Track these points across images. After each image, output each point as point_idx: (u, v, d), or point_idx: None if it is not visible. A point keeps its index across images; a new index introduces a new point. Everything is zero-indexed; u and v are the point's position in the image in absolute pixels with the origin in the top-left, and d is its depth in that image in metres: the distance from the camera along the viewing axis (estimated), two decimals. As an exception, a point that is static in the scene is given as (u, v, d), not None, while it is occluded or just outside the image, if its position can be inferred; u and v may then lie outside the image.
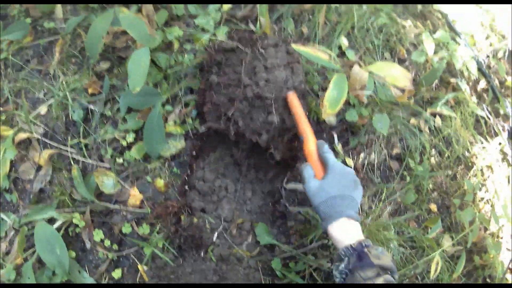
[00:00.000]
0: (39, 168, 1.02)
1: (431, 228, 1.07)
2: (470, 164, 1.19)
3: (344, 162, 0.96)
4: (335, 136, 0.95)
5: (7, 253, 1.00)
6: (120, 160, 0.96)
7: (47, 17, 1.16)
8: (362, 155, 0.98)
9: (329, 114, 0.90)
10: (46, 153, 1.00)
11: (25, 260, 0.95)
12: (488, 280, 1.22)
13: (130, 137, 0.96)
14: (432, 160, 1.10)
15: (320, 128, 0.95)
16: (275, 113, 0.87)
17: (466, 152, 1.18)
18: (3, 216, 1.00)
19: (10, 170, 1.01)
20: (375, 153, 0.98)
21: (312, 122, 0.95)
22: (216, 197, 0.93)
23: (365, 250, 0.66)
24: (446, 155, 1.12)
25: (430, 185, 1.09)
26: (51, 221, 0.96)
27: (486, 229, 1.16)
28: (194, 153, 0.94)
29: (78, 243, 0.97)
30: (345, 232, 0.68)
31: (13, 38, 1.10)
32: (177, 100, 0.96)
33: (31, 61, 1.12)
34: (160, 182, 0.93)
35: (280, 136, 0.91)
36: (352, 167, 0.96)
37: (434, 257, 0.98)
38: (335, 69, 0.96)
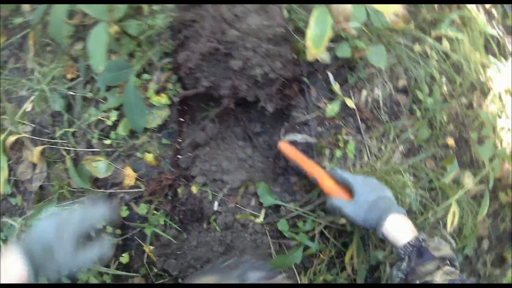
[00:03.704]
0: (35, 166, 0.91)
1: (448, 168, 0.87)
2: (486, 89, 0.97)
3: (344, 103, 0.77)
4: (330, 75, 0.76)
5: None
6: (107, 141, 0.82)
7: (16, 13, 1.01)
8: (364, 92, 0.78)
9: (314, 54, 0.71)
10: (37, 150, 0.88)
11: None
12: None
13: (113, 115, 0.81)
14: (444, 89, 0.89)
15: (312, 68, 0.76)
16: (256, 64, 0.69)
17: (480, 77, 0.96)
18: (11, 222, 0.90)
19: (10, 174, 0.90)
20: (378, 88, 0.79)
21: (303, 64, 0.76)
22: (213, 160, 0.78)
23: (423, 244, 0.58)
24: (458, 82, 0.91)
25: (445, 117, 0.88)
26: None
27: (513, 159, 0.95)
28: (182, 118, 0.78)
29: (83, 233, 0.86)
30: (399, 228, 0.60)
31: (-15, 42, 0.96)
32: (154, 67, 0.79)
33: (8, 61, 0.98)
34: (149, 157, 0.78)
35: (268, 87, 0.73)
36: (354, 107, 0.77)
37: (450, 206, 0.80)
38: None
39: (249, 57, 0.69)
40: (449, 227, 0.76)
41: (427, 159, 0.88)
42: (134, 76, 0.77)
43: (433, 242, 0.60)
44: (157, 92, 0.78)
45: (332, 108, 0.75)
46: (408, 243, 0.58)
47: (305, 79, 0.76)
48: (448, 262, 0.58)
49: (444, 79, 0.89)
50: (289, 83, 0.73)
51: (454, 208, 0.76)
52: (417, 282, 0.56)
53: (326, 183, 0.67)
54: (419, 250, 0.58)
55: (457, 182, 0.89)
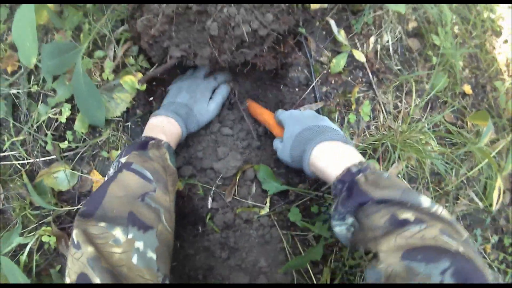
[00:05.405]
0: None
1: (473, 123, 0.72)
2: (498, 29, 0.82)
3: (352, 55, 0.60)
4: (332, 22, 0.57)
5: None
6: (64, 145, 0.62)
7: None
8: (372, 39, 0.61)
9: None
10: None
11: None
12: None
13: (66, 110, 0.61)
14: (456, 29, 0.72)
15: (308, 15, 0.58)
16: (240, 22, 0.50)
17: (491, 14, 0.80)
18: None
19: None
20: (387, 33, 0.62)
21: (299, 11, 0.57)
22: (197, 144, 0.59)
23: (357, 177, 0.38)
24: (471, 22, 0.74)
25: (461, 63, 0.73)
26: (22, 247, 0.67)
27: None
28: (152, 98, 0.59)
29: (60, 257, 0.67)
30: (327, 160, 0.42)
31: None
32: (107, 40, 0.59)
33: None
34: (116, 154, 0.59)
35: (257, 46, 0.55)
36: (364, 58, 0.59)
37: (495, 183, 0.65)
38: None
39: (231, 13, 0.49)
40: (494, 205, 0.61)
41: (446, 114, 0.72)
42: (82, 56, 0.56)
43: (376, 174, 0.37)
44: (115, 72, 0.58)
45: (337, 62, 0.58)
46: (337, 178, 0.39)
47: (302, 30, 0.57)
48: (421, 218, 0.32)
49: (455, 18, 0.72)
50: (282, 37, 0.54)
51: (500, 184, 0.61)
52: (361, 249, 0.37)
53: (275, 128, 0.55)
54: (349, 186, 0.38)
55: (474, 132, 0.74)
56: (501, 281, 0.30)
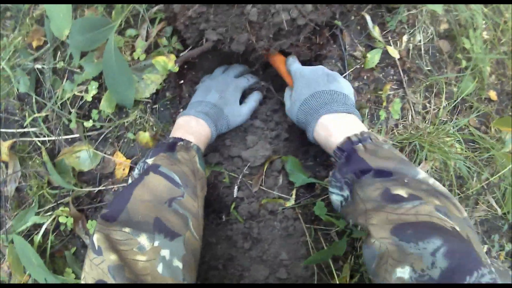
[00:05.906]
0: (6, 165, 0.70)
1: (496, 129, 0.72)
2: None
3: (386, 52, 0.59)
4: (368, 17, 0.57)
5: (11, 274, 0.71)
6: (89, 123, 0.61)
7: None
8: (405, 37, 0.60)
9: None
10: (5, 145, 0.66)
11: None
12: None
13: (93, 89, 0.60)
14: (485, 34, 0.72)
15: (345, 9, 0.57)
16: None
17: (517, 22, 0.80)
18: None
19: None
20: (420, 33, 0.61)
21: (336, 4, 0.56)
22: (226, 132, 0.58)
23: (356, 146, 0.38)
24: (500, 27, 0.74)
25: (488, 68, 0.72)
26: (37, 227, 0.65)
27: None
28: (182, 81, 0.58)
29: (76, 239, 0.66)
30: (330, 130, 0.42)
31: None
32: (141, 19, 0.58)
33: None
34: (144, 136, 0.58)
35: (294, 35, 0.54)
36: (398, 55, 0.59)
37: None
38: None
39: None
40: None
41: (471, 118, 0.71)
42: (114, 34, 0.55)
43: (377, 144, 0.37)
44: (147, 52, 0.57)
45: (371, 58, 0.57)
46: (337, 146, 0.40)
47: (338, 23, 0.56)
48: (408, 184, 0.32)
49: (485, 23, 0.72)
50: (319, 28, 0.53)
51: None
52: (350, 221, 0.37)
53: (286, 76, 0.53)
54: (348, 156, 0.38)
55: (497, 138, 0.74)
56: (498, 267, 0.29)
